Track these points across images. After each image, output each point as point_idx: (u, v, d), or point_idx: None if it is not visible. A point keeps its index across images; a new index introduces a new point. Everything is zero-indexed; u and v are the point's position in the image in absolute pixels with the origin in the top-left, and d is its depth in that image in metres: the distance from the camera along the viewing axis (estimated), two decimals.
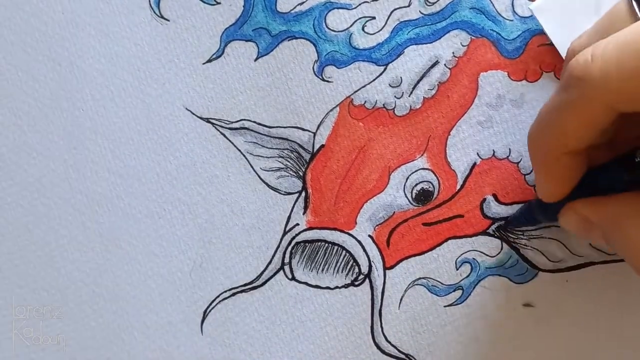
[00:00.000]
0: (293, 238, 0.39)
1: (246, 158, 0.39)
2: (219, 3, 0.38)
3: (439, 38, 0.37)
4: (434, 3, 0.37)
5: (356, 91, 0.38)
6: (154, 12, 0.38)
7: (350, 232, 0.38)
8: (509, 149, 0.37)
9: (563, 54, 0.35)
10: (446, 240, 0.38)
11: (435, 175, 0.38)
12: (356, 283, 0.38)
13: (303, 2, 0.38)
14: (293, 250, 0.38)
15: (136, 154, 0.39)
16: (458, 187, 0.38)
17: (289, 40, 0.38)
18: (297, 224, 0.39)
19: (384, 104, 0.38)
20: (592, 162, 0.30)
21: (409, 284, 0.38)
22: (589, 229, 0.30)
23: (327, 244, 0.38)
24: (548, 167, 0.29)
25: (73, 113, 0.39)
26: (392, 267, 0.38)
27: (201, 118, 0.38)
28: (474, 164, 0.38)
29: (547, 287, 0.37)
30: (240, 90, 0.38)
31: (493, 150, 0.37)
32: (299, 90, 0.38)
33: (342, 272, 0.38)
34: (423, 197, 0.38)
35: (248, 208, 0.39)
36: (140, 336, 0.39)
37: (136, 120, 0.39)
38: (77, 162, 0.39)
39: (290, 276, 0.39)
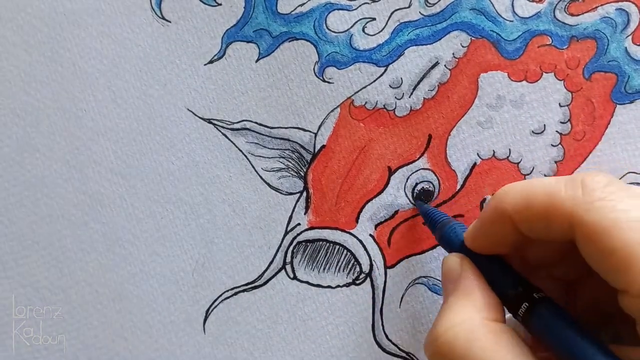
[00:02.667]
0: (294, 238, 0.39)
1: (248, 158, 0.39)
2: (220, 4, 0.38)
3: (439, 39, 0.37)
4: (434, 4, 0.37)
5: (357, 92, 0.38)
6: (156, 13, 0.38)
7: (351, 231, 0.38)
8: (509, 150, 0.37)
9: None
10: None
11: (436, 175, 0.38)
12: (357, 282, 0.39)
13: (304, 4, 0.38)
14: (294, 250, 0.39)
15: (138, 154, 0.39)
16: (458, 187, 0.38)
17: (289, 42, 0.38)
18: (299, 224, 0.39)
19: (384, 105, 0.38)
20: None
21: (410, 283, 0.38)
22: (450, 282, 0.31)
23: (328, 244, 0.39)
24: (488, 220, 0.30)
25: (75, 114, 0.39)
26: (393, 266, 0.38)
27: (203, 119, 0.39)
28: (474, 164, 0.38)
29: None
30: (241, 91, 0.38)
31: (493, 150, 0.38)
32: (300, 91, 0.38)
33: (343, 271, 0.39)
34: (423, 197, 0.38)
35: (250, 208, 0.39)
36: (143, 335, 0.39)
37: (138, 121, 0.39)
38: (80, 163, 0.39)
39: (291, 275, 0.39)
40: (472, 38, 0.37)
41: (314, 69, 0.38)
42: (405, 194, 0.38)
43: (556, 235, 0.27)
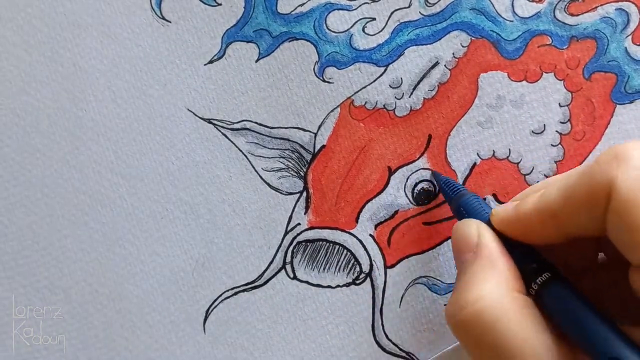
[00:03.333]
0: (294, 237, 0.39)
1: (247, 158, 0.39)
2: (220, 4, 0.38)
3: (439, 39, 0.37)
4: (434, 4, 0.37)
5: (357, 92, 0.38)
6: (156, 13, 0.38)
7: (351, 231, 0.38)
8: (509, 150, 0.37)
9: None
10: (446, 239, 0.38)
11: None
12: (357, 282, 0.39)
13: (304, 4, 0.38)
14: (294, 250, 0.39)
15: (138, 154, 0.39)
16: None
17: (289, 42, 0.38)
18: (299, 224, 0.39)
19: (384, 105, 0.38)
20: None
21: (410, 283, 0.38)
22: (468, 249, 0.31)
23: (328, 244, 0.39)
24: (535, 211, 0.30)
25: (75, 114, 0.39)
26: (393, 266, 0.38)
27: (203, 119, 0.39)
28: (474, 164, 0.38)
29: None
30: (241, 91, 0.38)
31: (493, 150, 0.38)
32: (300, 91, 0.38)
33: (343, 271, 0.39)
34: (423, 197, 0.38)
35: (250, 208, 0.39)
36: (143, 335, 0.39)
37: (138, 121, 0.39)
38: (80, 163, 0.39)
39: (291, 275, 0.39)
40: (472, 38, 0.37)
41: (314, 69, 0.38)
42: (405, 194, 0.38)
43: (595, 224, 0.27)
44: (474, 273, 0.29)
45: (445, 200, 0.38)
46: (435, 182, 0.38)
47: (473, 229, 0.31)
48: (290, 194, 0.39)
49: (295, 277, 0.39)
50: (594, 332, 0.26)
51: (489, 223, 0.32)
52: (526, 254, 0.30)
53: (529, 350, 0.26)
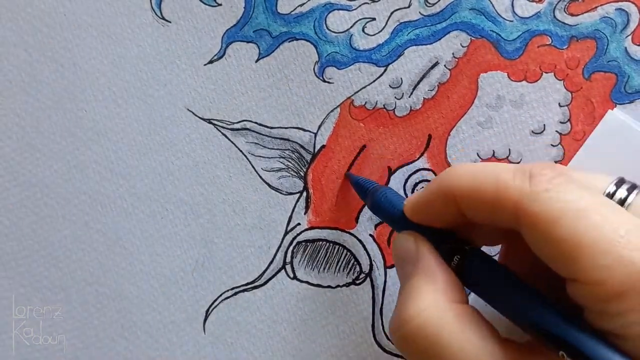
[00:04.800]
0: (294, 238, 0.39)
1: (247, 158, 0.39)
2: (220, 4, 0.38)
3: (439, 39, 0.37)
4: (433, 4, 0.37)
5: (357, 92, 0.38)
6: (156, 13, 0.38)
7: (351, 231, 0.39)
8: (509, 150, 0.37)
9: None
10: None
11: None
12: (357, 282, 0.39)
13: (303, 4, 0.38)
14: (294, 250, 0.39)
15: (138, 154, 0.39)
16: None
17: (289, 42, 0.38)
18: (299, 224, 0.39)
19: (384, 105, 0.38)
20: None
21: None
22: (407, 263, 0.31)
23: (328, 244, 0.39)
24: (432, 196, 0.30)
25: (76, 114, 0.39)
26: (393, 266, 0.38)
27: (203, 119, 0.39)
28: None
29: None
30: (241, 91, 0.38)
31: (493, 150, 0.38)
32: (300, 91, 0.38)
33: (343, 271, 0.39)
34: None
35: (249, 208, 0.39)
36: (143, 335, 0.39)
37: (138, 121, 0.39)
38: (80, 163, 0.39)
39: (291, 275, 0.39)
40: (472, 38, 0.37)
41: (314, 69, 0.38)
42: (405, 195, 0.38)
43: (501, 223, 0.27)
44: (412, 287, 0.29)
45: None
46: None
47: (411, 242, 0.31)
48: (290, 194, 0.39)
49: (295, 277, 0.39)
50: (513, 299, 0.27)
51: (399, 214, 0.32)
52: (443, 235, 0.30)
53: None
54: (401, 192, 0.38)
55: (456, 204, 0.29)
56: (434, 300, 0.28)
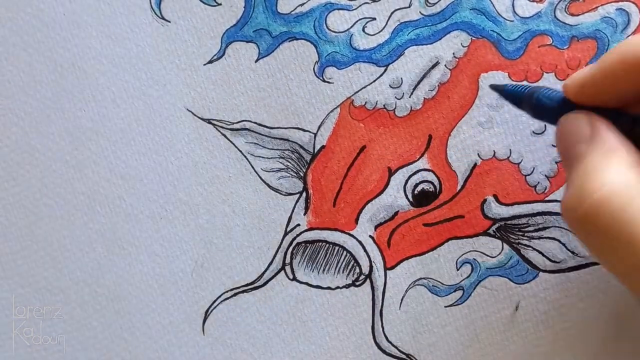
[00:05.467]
0: (294, 238, 0.39)
1: (247, 159, 0.39)
2: (219, 4, 0.38)
3: (440, 39, 0.37)
4: (434, 4, 0.37)
5: (357, 92, 0.38)
6: (155, 13, 0.38)
7: (351, 232, 0.38)
8: (510, 150, 0.37)
9: None
10: (447, 240, 0.38)
11: (436, 176, 0.38)
12: (357, 283, 0.38)
13: (304, 3, 0.38)
14: (294, 251, 0.39)
15: (137, 154, 0.39)
16: (459, 187, 0.38)
17: (289, 42, 0.38)
18: (298, 225, 0.39)
19: (384, 105, 0.38)
20: None
21: (410, 284, 0.38)
22: (580, 142, 0.28)
23: (328, 245, 0.39)
24: (610, 70, 0.27)
25: (75, 114, 0.39)
26: (392, 268, 0.38)
27: (202, 119, 0.39)
28: (475, 164, 0.38)
29: (547, 287, 0.37)
30: (241, 91, 0.38)
31: (494, 150, 0.37)
32: (300, 91, 0.38)
33: (343, 272, 0.39)
34: (423, 198, 0.38)
35: (249, 208, 0.39)
36: (142, 336, 0.39)
37: (137, 121, 0.39)
38: (79, 163, 0.39)
39: (291, 276, 0.39)
40: (473, 38, 0.37)
41: (313, 69, 0.38)
42: (406, 195, 0.38)
43: None
44: (593, 162, 0.26)
45: (446, 201, 0.38)
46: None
47: (584, 120, 0.28)
48: (290, 194, 0.39)
49: (294, 279, 0.39)
50: None
51: (560, 103, 0.30)
52: (617, 115, 0.28)
53: None
54: (401, 193, 0.38)
55: None
56: (621, 173, 0.25)
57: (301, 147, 0.38)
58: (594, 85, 0.28)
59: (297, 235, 0.39)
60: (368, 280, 0.38)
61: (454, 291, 0.38)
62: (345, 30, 0.38)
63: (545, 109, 0.31)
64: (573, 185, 0.27)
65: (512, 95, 0.34)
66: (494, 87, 0.36)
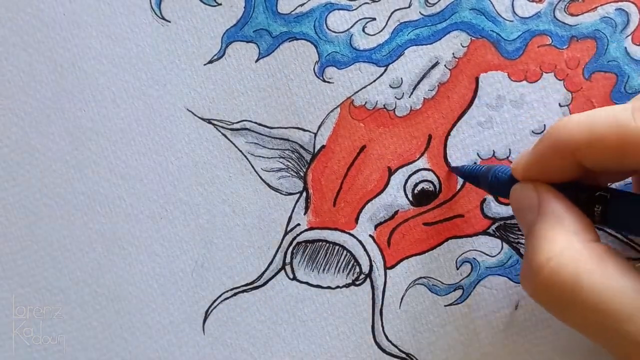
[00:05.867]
0: (294, 238, 0.39)
1: (247, 159, 0.39)
2: (219, 4, 0.38)
3: (439, 39, 0.37)
4: (434, 4, 0.37)
5: (357, 92, 0.38)
6: (155, 13, 0.38)
7: (351, 232, 0.38)
8: (509, 150, 0.37)
9: None
10: (447, 240, 0.38)
11: (436, 175, 0.38)
12: (357, 283, 0.39)
13: (304, 4, 0.38)
14: (294, 250, 0.39)
15: (137, 154, 0.39)
16: (458, 187, 0.38)
17: (289, 42, 0.38)
18: (298, 224, 0.39)
19: (384, 105, 0.38)
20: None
21: (410, 284, 0.38)
22: (529, 211, 0.30)
23: (328, 244, 0.39)
24: (545, 153, 0.29)
25: (75, 114, 0.39)
26: (392, 267, 0.38)
27: (202, 119, 0.39)
28: (474, 164, 0.38)
29: None
30: (241, 91, 0.38)
31: (493, 150, 0.38)
32: (300, 91, 0.38)
33: (343, 271, 0.39)
34: (423, 197, 0.38)
35: (249, 208, 0.39)
36: (142, 336, 0.39)
37: (137, 121, 0.39)
38: (79, 163, 0.39)
39: (291, 276, 0.39)
40: (472, 38, 0.37)
41: (314, 69, 0.38)
42: (405, 195, 0.38)
43: (629, 167, 0.26)
44: (540, 233, 0.28)
45: (445, 201, 0.38)
46: (438, 181, 0.37)
47: (530, 189, 0.30)
48: (290, 194, 0.39)
49: (295, 278, 0.39)
50: None
51: (512, 177, 0.31)
52: (574, 187, 0.29)
53: (625, 300, 0.25)
54: (401, 193, 0.38)
55: (574, 157, 0.27)
56: (566, 242, 0.26)
57: (301, 146, 0.38)
58: (534, 165, 0.30)
59: (297, 235, 0.39)
60: (368, 280, 0.38)
61: (454, 290, 0.38)
62: (346, 31, 0.38)
63: (501, 185, 0.33)
64: (526, 257, 0.28)
65: (469, 175, 0.36)
66: (453, 169, 0.37)
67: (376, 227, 0.38)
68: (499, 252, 0.38)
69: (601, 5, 0.36)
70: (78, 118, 0.39)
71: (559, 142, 0.28)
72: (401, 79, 0.38)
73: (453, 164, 0.38)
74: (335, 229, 0.38)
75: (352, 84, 0.38)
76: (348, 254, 0.38)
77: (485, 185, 0.34)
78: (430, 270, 0.38)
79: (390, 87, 0.38)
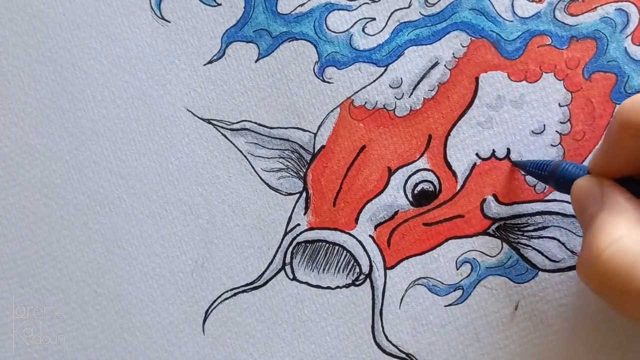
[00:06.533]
0: (294, 238, 0.39)
1: (247, 159, 0.39)
2: (219, 4, 0.38)
3: (439, 39, 0.37)
4: (434, 4, 0.37)
5: (357, 92, 0.38)
6: (155, 13, 0.38)
7: (351, 232, 0.38)
8: (509, 150, 0.37)
9: None
10: (446, 240, 0.38)
11: (436, 176, 0.38)
12: (357, 283, 0.39)
13: (304, 4, 0.38)
14: (294, 251, 0.39)
15: (137, 154, 0.39)
16: (458, 187, 0.38)
17: (289, 42, 0.38)
18: (298, 224, 0.39)
19: (384, 105, 0.38)
20: None
21: (410, 284, 0.38)
22: (591, 204, 0.30)
23: (328, 244, 0.39)
24: (621, 142, 0.29)
25: (75, 114, 0.39)
26: (392, 267, 0.38)
27: (202, 119, 0.39)
28: (474, 164, 0.38)
29: (547, 287, 0.37)
30: (241, 92, 0.38)
31: (493, 150, 0.38)
32: (300, 91, 0.38)
33: (343, 272, 0.39)
34: (423, 197, 0.38)
35: (249, 208, 0.39)
36: (142, 336, 0.39)
37: (137, 121, 0.39)
38: (79, 163, 0.39)
39: (291, 276, 0.39)
40: (472, 38, 0.37)
41: (313, 69, 0.38)
42: (405, 195, 0.38)
43: None
44: (602, 222, 0.28)
45: (445, 201, 0.38)
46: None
47: (593, 183, 0.30)
48: (290, 194, 0.39)
49: (294, 278, 0.39)
50: None
51: (582, 173, 0.32)
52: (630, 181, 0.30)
53: None
54: (401, 193, 0.38)
55: None
56: (628, 229, 0.27)
57: (301, 147, 0.38)
58: (606, 159, 0.30)
59: (297, 235, 0.39)
60: (368, 280, 0.38)
61: (454, 290, 0.38)
62: (345, 31, 0.38)
63: (571, 180, 0.33)
64: (585, 245, 0.28)
65: (535, 172, 0.35)
66: (516, 164, 0.37)
67: (376, 227, 0.38)
68: (499, 252, 0.38)
69: (601, 5, 0.36)
70: (78, 118, 0.39)
71: (627, 123, 0.28)
72: (401, 79, 0.38)
73: (453, 164, 0.38)
74: (335, 229, 0.38)
75: (352, 84, 0.38)
76: (348, 254, 0.38)
77: (552, 180, 0.34)
78: (430, 271, 0.38)
79: (390, 87, 0.38)
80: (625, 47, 0.37)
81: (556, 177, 0.33)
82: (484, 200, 0.38)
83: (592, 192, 0.30)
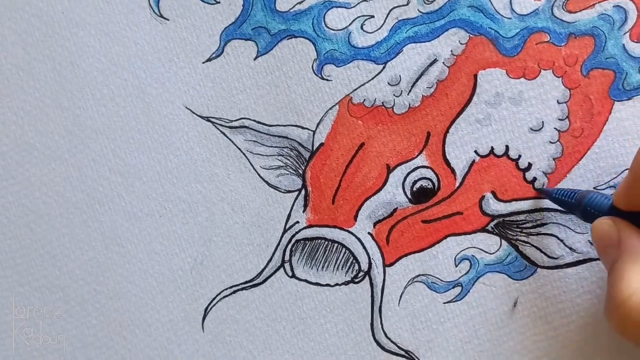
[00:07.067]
0: (293, 236, 0.39)
1: (246, 156, 0.39)
2: (218, 2, 0.38)
3: (438, 36, 0.37)
4: (432, 1, 0.37)
5: (355, 89, 0.38)
6: (154, 11, 0.38)
7: (349, 229, 0.38)
8: (507, 147, 0.37)
9: None
10: (445, 237, 0.38)
11: (434, 173, 0.38)
12: (356, 280, 0.39)
13: (302, 1, 0.38)
14: (293, 248, 0.39)
15: (136, 152, 0.39)
16: (457, 184, 0.38)
17: (288, 39, 0.38)
18: (297, 222, 0.39)
19: (383, 102, 0.38)
20: None
21: (409, 281, 0.38)
22: (610, 248, 0.32)
23: (327, 242, 0.39)
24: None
25: (74, 112, 0.39)
26: (391, 264, 0.38)
27: (201, 117, 0.39)
28: (473, 161, 0.38)
29: (545, 283, 0.37)
30: (239, 89, 0.38)
31: (491, 147, 0.38)
32: (299, 88, 0.38)
33: (342, 269, 0.39)
34: (422, 194, 0.38)
35: (248, 206, 0.39)
36: (142, 334, 0.39)
37: (136, 119, 0.39)
38: (78, 161, 0.39)
39: (290, 274, 0.39)
40: (471, 35, 0.37)
41: (312, 66, 0.38)
42: (404, 192, 0.38)
43: None
44: (619, 270, 0.29)
45: (444, 198, 0.38)
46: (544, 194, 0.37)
47: (610, 226, 0.31)
48: (289, 191, 0.39)
49: (293, 276, 0.39)
50: None
51: (612, 209, 0.32)
52: None
53: None
54: (400, 190, 0.38)
55: None
56: None
57: (300, 144, 0.38)
58: (633, 191, 0.31)
59: (296, 233, 0.39)
60: (367, 277, 0.38)
61: (453, 287, 0.38)
62: (344, 28, 0.38)
63: (595, 215, 0.33)
64: (608, 293, 0.30)
65: (561, 200, 0.36)
66: (542, 191, 0.37)
67: (375, 224, 0.38)
68: (498, 249, 0.38)
69: (599, 2, 0.37)
70: (77, 116, 0.39)
71: None
72: (399, 76, 0.38)
73: (452, 162, 0.38)
74: (334, 227, 0.39)
75: (350, 81, 0.38)
76: (347, 252, 0.38)
77: (578, 211, 0.35)
78: (429, 268, 0.38)
79: (389, 84, 0.38)
80: (624, 44, 0.37)
81: (582, 208, 0.34)
82: (483, 197, 0.38)
83: (610, 235, 0.31)
